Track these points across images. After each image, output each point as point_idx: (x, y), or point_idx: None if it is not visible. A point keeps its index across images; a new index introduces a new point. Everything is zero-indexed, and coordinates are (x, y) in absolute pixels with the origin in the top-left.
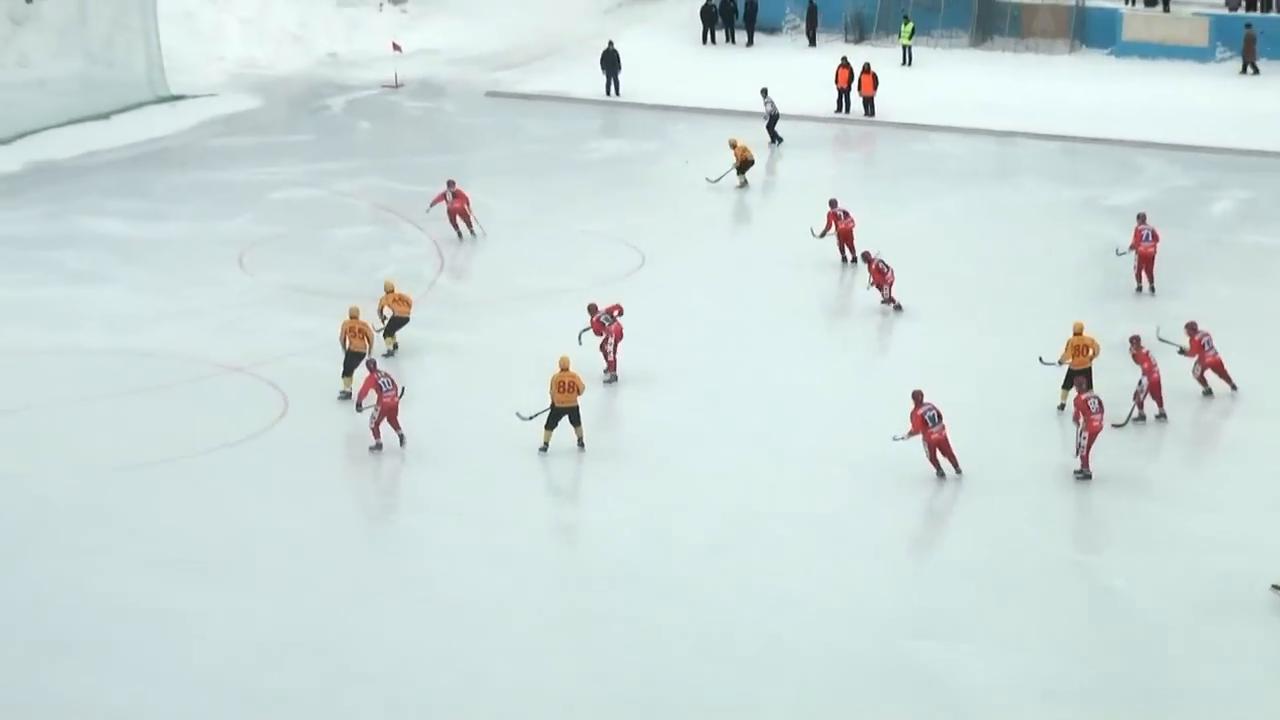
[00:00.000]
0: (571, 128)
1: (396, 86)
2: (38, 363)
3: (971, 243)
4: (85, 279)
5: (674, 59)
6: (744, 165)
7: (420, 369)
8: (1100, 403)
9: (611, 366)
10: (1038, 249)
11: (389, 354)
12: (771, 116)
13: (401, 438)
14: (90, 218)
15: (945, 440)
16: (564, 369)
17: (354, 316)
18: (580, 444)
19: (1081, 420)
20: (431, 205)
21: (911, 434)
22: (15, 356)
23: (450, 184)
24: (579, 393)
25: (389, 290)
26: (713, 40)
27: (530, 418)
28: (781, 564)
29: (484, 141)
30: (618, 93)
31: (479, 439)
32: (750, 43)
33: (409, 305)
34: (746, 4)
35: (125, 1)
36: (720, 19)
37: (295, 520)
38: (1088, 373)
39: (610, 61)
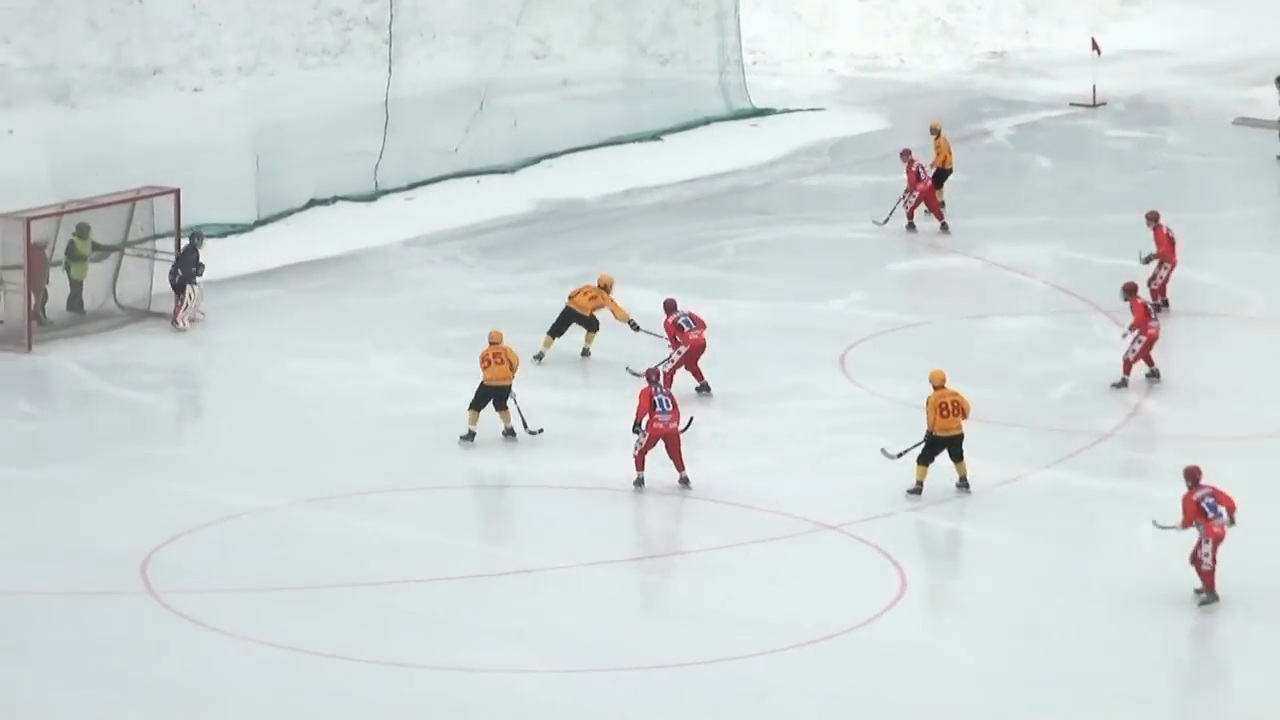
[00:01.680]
0: None
1: (1095, 106)
2: (516, 502)
3: None
4: None
5: None
6: (940, 174)
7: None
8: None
9: (668, 381)
10: None
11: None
12: None
13: (684, 479)
14: (620, 287)
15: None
16: (939, 385)
17: (494, 342)
18: (963, 482)
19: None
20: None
21: (1185, 525)
22: (487, 493)
23: (905, 154)
24: (965, 416)
25: (606, 287)
26: None
27: (900, 455)
28: None
29: (1228, 194)
30: None
31: None
32: None
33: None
34: None
35: None
36: None
37: None
38: None
39: None
